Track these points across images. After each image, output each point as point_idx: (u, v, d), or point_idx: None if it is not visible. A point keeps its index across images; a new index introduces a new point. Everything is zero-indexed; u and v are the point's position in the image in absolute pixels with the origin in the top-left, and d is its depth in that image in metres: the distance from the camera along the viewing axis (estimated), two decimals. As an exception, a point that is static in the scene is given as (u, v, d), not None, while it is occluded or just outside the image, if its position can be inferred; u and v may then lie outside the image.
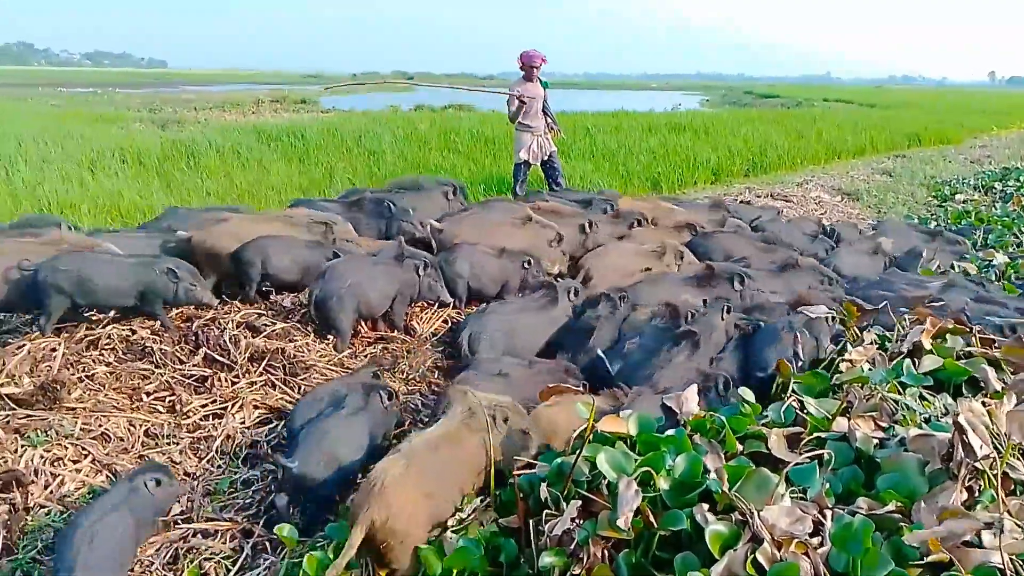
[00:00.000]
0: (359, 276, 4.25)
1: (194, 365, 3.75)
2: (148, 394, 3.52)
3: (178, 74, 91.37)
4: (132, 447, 3.21)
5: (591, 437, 2.36)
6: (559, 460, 2.41)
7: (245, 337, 3.99)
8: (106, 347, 3.81)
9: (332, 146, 13.02)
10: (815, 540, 2.00)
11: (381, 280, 4.37)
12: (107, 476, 3.02)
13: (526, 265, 4.97)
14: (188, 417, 3.41)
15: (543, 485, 2.30)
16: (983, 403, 2.56)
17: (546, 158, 8.33)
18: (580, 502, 2.21)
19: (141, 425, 3.32)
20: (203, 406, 3.50)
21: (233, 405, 3.50)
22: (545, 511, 2.23)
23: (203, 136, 13.44)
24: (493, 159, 12.21)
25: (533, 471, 2.45)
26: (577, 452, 2.33)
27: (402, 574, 2.33)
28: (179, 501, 2.87)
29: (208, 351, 3.83)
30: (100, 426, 3.25)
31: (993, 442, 2.31)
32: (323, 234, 4.89)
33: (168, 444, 3.24)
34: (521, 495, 2.38)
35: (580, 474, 2.34)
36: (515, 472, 2.39)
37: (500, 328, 4.18)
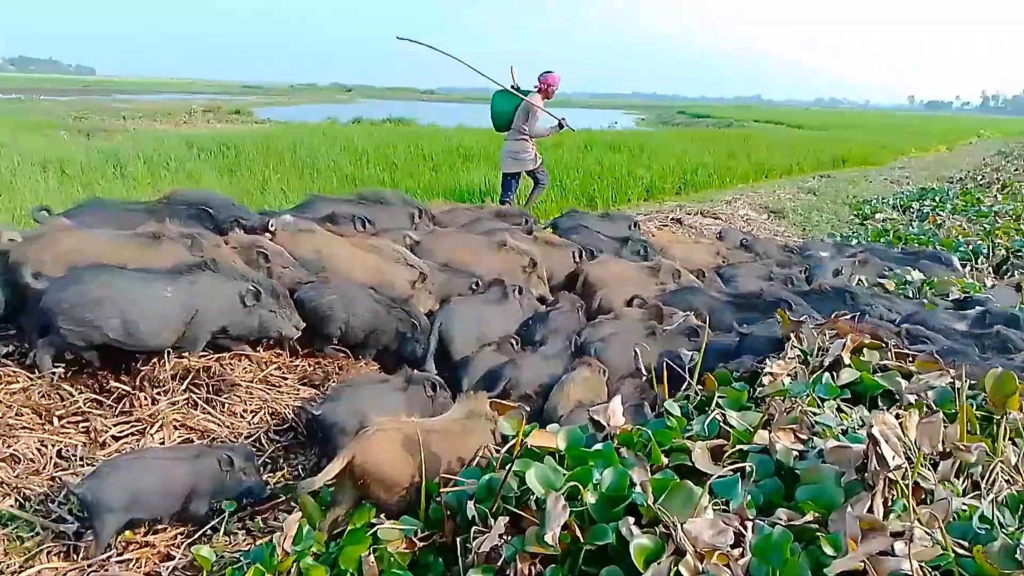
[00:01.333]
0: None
1: (113, 383, 3.60)
2: (60, 416, 3.36)
3: (108, 82, 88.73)
4: (44, 468, 3.07)
5: (520, 452, 2.37)
6: (488, 476, 2.40)
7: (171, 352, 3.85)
8: (20, 363, 3.64)
9: (265, 158, 12.81)
10: (736, 551, 2.03)
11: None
12: (16, 500, 2.88)
13: (473, 286, 4.91)
14: (104, 437, 3.27)
15: (470, 502, 2.28)
16: (896, 415, 2.67)
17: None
18: (508, 518, 2.21)
19: (53, 446, 3.17)
20: (120, 426, 3.36)
21: (152, 426, 3.37)
22: (473, 528, 2.21)
23: (131, 146, 13.07)
24: (433, 174, 12.20)
25: (461, 488, 2.44)
26: (507, 468, 2.33)
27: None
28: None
29: (128, 368, 3.68)
30: (9, 447, 3.09)
31: (905, 453, 2.41)
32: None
33: (83, 465, 3.11)
34: (448, 512, 2.37)
35: (509, 490, 2.34)
36: (442, 489, 2.37)
37: (471, 318, 4.45)
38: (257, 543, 2.58)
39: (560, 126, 8.54)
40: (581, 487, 2.23)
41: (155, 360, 3.71)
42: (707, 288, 5.18)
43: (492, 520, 2.22)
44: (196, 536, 2.78)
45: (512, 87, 8.43)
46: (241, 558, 2.50)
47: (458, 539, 2.27)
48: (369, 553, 2.18)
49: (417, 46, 8.85)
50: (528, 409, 3.49)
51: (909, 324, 4.26)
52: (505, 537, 2.17)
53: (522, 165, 8.57)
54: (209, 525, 2.83)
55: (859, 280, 6.04)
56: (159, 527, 2.84)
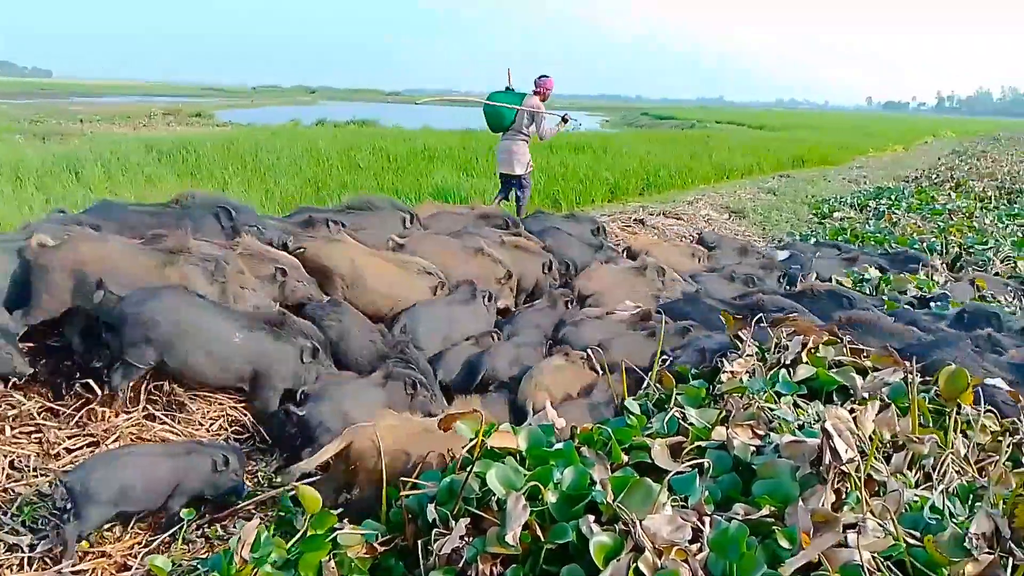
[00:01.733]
0: None
1: (69, 395, 3.51)
2: (12, 425, 3.28)
3: (65, 84, 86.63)
4: (-6, 480, 2.99)
5: (480, 454, 2.37)
6: (449, 479, 2.40)
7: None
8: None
9: (226, 161, 12.65)
10: (695, 546, 2.06)
11: None
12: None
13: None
14: (57, 449, 3.20)
15: (431, 505, 2.28)
16: (851, 409, 2.72)
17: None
18: (469, 520, 2.21)
19: (6, 456, 3.09)
20: (74, 438, 3.28)
21: (108, 438, 3.30)
22: (434, 530, 2.21)
23: (88, 150, 12.81)
24: (396, 175, 12.15)
25: (423, 491, 2.43)
26: (468, 470, 2.33)
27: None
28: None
29: (85, 380, 3.58)
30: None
31: (859, 446, 2.46)
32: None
33: (36, 476, 3.04)
34: (410, 516, 2.36)
35: (470, 491, 2.34)
36: (402, 493, 2.36)
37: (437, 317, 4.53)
38: (216, 551, 2.54)
39: (564, 120, 8.75)
40: (542, 487, 2.24)
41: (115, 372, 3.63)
42: (703, 297, 5.22)
43: (453, 522, 2.22)
44: (155, 545, 2.74)
45: (507, 88, 8.55)
46: (199, 566, 2.47)
47: (419, 542, 2.26)
48: (329, 559, 2.16)
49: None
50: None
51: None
52: (466, 539, 2.17)
53: (518, 167, 8.55)
54: (168, 533, 2.79)
55: (816, 278, 6.16)
56: (118, 534, 2.79)
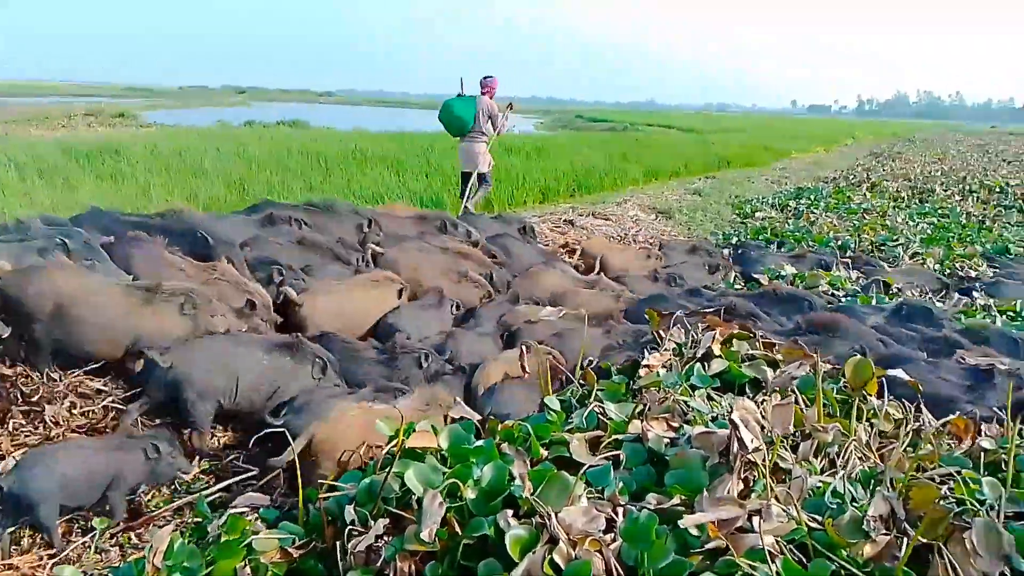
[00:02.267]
0: None
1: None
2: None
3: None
4: None
5: (400, 453, 2.38)
6: (369, 479, 2.41)
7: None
8: None
9: (150, 163, 12.27)
10: (608, 536, 2.12)
11: None
12: None
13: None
14: None
15: (350, 506, 2.28)
16: (761, 401, 2.83)
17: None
18: (387, 519, 2.22)
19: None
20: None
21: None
22: (348, 529, 2.21)
23: (1, 152, 12.25)
24: (326, 176, 11.99)
25: (342, 492, 2.43)
26: (387, 470, 2.34)
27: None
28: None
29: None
30: None
31: (767, 436, 2.57)
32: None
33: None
34: (329, 518, 2.36)
35: (390, 491, 2.35)
36: (320, 495, 2.36)
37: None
38: (129, 559, 2.48)
39: (511, 107, 9.59)
40: (461, 484, 2.27)
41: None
42: (673, 296, 5.32)
43: (372, 522, 2.22)
44: (64, 554, 2.66)
45: (459, 95, 9.16)
46: (110, 575, 2.41)
47: (338, 543, 2.26)
48: (244, 565, 2.14)
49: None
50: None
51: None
52: (384, 538, 2.18)
53: (480, 165, 9.24)
54: (80, 542, 2.71)
55: (735, 275, 6.39)
56: (26, 545, 2.70)
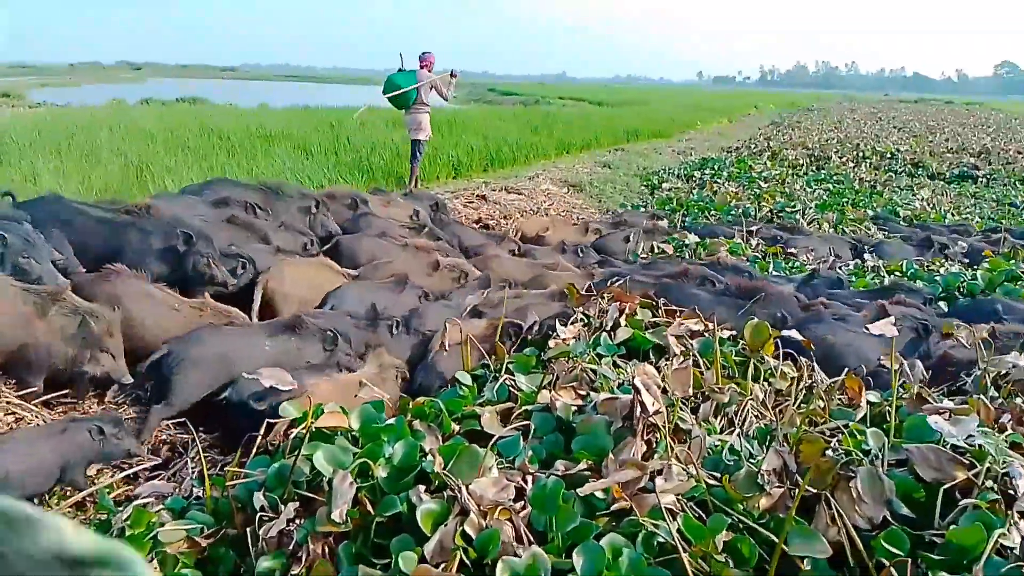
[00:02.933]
0: None
1: None
2: None
3: None
4: None
5: (308, 435, 2.37)
6: (278, 464, 2.39)
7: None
8: None
9: (37, 145, 11.54)
10: (518, 505, 2.17)
11: None
12: None
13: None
14: None
15: (259, 492, 2.26)
16: (659, 367, 2.94)
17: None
18: (298, 503, 2.21)
19: None
20: None
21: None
22: (261, 515, 2.20)
23: None
24: (227, 155, 11.57)
25: (251, 479, 2.40)
26: (295, 453, 2.33)
27: None
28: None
29: None
30: None
31: (668, 399, 2.68)
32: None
33: None
34: (239, 504, 2.33)
35: (300, 474, 2.34)
36: (228, 483, 2.33)
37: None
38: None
39: (452, 75, 10.24)
40: (372, 463, 2.28)
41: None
42: (635, 271, 5.33)
43: (283, 506, 2.21)
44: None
45: (400, 70, 9.79)
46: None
47: (248, 529, 2.24)
48: (151, 558, 2.10)
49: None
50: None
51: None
52: (296, 521, 2.18)
53: (422, 134, 10.13)
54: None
55: (653, 247, 6.57)
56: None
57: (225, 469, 2.37)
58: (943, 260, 6.48)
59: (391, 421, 2.54)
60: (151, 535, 2.11)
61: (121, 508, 2.38)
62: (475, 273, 5.44)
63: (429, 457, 2.34)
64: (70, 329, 3.55)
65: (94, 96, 28.79)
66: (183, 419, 3.43)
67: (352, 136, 14.71)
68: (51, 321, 3.53)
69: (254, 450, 2.59)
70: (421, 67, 9.84)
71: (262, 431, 2.56)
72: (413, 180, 10.38)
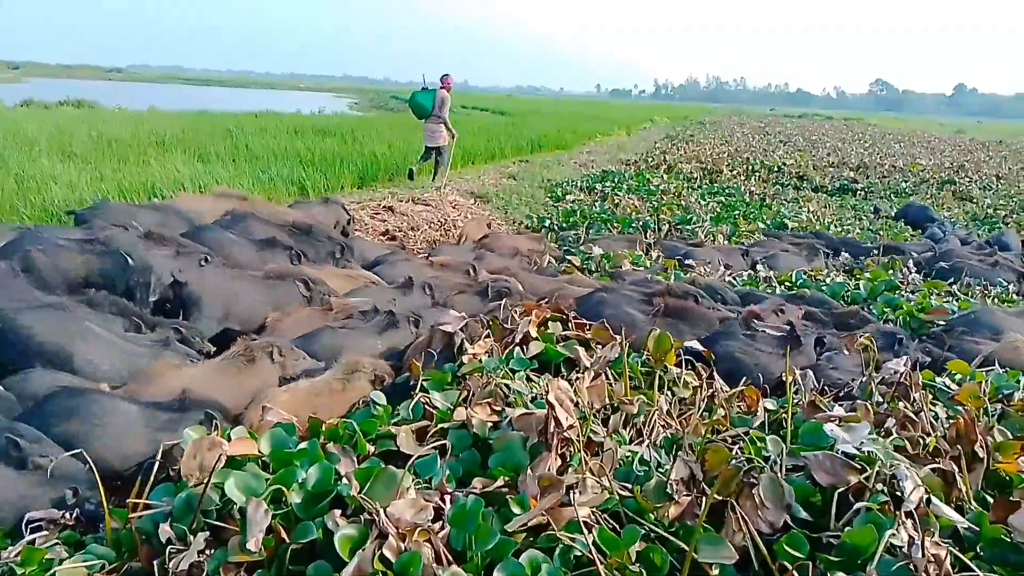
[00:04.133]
0: None
1: None
2: None
3: None
4: None
5: (220, 464, 2.29)
6: (186, 493, 2.30)
7: None
8: None
9: (-102, 152, 10.64)
10: (437, 525, 2.17)
11: None
12: None
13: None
14: None
15: (164, 524, 2.17)
16: (573, 379, 3.01)
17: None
18: (208, 533, 2.14)
19: None
20: None
21: None
22: (169, 548, 2.11)
23: None
24: (119, 163, 10.99)
25: (157, 509, 2.30)
26: (204, 482, 2.24)
27: None
28: None
29: None
30: None
31: (580, 412, 2.74)
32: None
33: None
34: (144, 536, 2.23)
35: (210, 503, 2.26)
36: (131, 515, 2.22)
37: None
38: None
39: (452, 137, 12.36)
40: (285, 489, 2.23)
41: None
42: (620, 287, 5.24)
43: (191, 537, 2.13)
44: None
45: (423, 88, 11.93)
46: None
47: (155, 563, 2.15)
48: (47, 598, 1.99)
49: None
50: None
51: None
52: (207, 552, 2.10)
53: (438, 141, 11.96)
54: None
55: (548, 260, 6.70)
56: None
57: (128, 500, 2.26)
58: (829, 270, 6.91)
59: (303, 445, 2.49)
60: (50, 573, 1.99)
61: (9, 541, 2.24)
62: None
63: (344, 480, 2.31)
64: None
65: (-31, 99, 26.79)
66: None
67: (251, 143, 14.29)
68: None
69: (151, 478, 2.47)
70: (442, 87, 11.91)
71: (159, 456, 2.45)
72: (440, 176, 12.20)
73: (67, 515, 2.40)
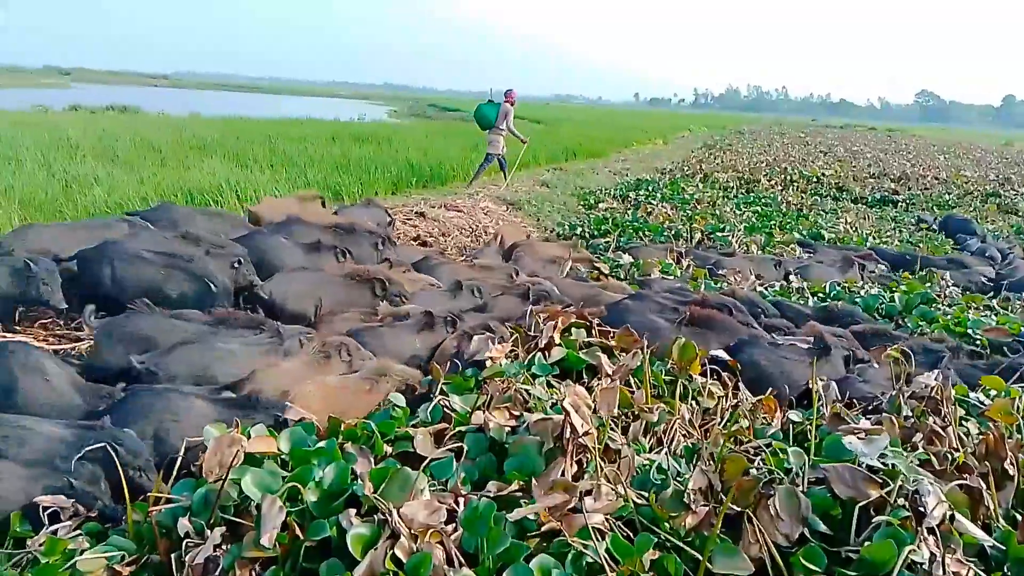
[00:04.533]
0: None
1: None
2: None
3: None
4: None
5: (237, 461, 2.33)
6: (204, 488, 2.33)
7: None
8: None
9: (-51, 153, 11.01)
10: (450, 527, 2.18)
11: None
12: None
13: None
14: None
15: (183, 518, 2.21)
16: (591, 387, 3.00)
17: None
18: (224, 528, 2.17)
19: None
20: None
21: None
22: (186, 541, 2.14)
23: None
24: (160, 166, 11.26)
25: (177, 504, 2.34)
26: (223, 477, 2.28)
27: None
28: None
29: None
30: None
31: (598, 419, 2.72)
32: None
33: None
34: (164, 531, 2.27)
35: (228, 500, 2.29)
36: (151, 509, 2.27)
37: None
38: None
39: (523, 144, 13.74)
40: (301, 487, 2.26)
41: None
42: (653, 295, 5.18)
43: (209, 532, 2.17)
44: None
45: (489, 100, 13.03)
46: None
47: (173, 556, 2.19)
48: (68, 588, 2.03)
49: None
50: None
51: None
52: (223, 547, 2.14)
53: (499, 149, 13.03)
54: None
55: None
56: None
57: (149, 494, 2.30)
58: (865, 281, 6.78)
59: (321, 444, 2.51)
60: (70, 563, 2.04)
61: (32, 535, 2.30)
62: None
63: (360, 480, 2.32)
64: None
65: (16, 101, 27.58)
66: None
67: (289, 149, 14.52)
68: None
69: (174, 472, 2.52)
70: (506, 100, 12.96)
71: (181, 452, 2.50)
72: (476, 177, 13.49)
73: (78, 505, 2.44)
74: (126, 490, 2.35)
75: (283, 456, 2.50)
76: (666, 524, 2.31)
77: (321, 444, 2.52)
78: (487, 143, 13.25)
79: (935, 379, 3.28)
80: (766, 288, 6.40)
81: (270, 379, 3.37)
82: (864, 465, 2.40)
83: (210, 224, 6.00)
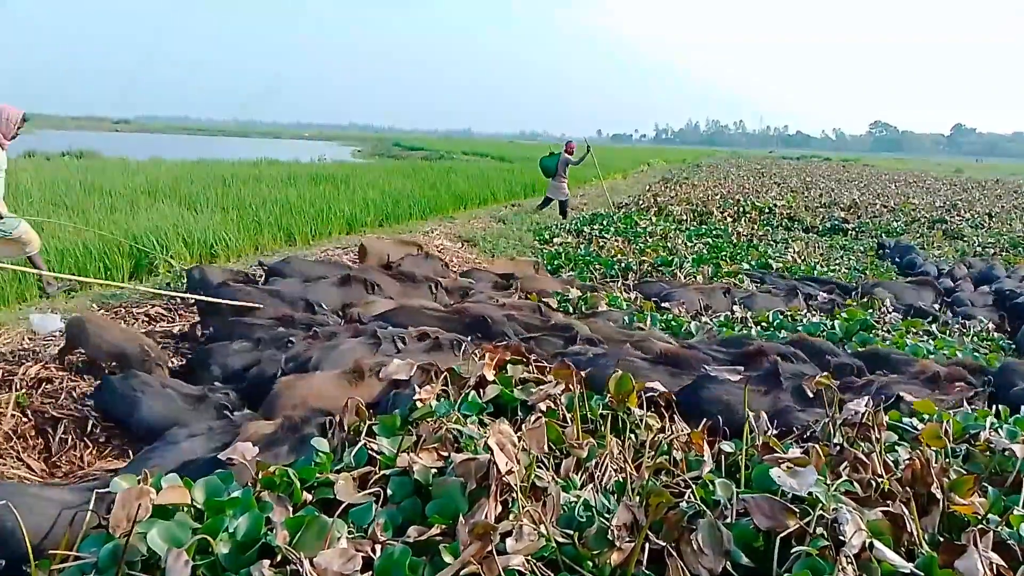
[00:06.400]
0: None
1: None
2: None
3: None
4: None
5: (145, 515, 2.25)
6: (112, 543, 2.25)
7: None
8: None
9: None
10: (367, 575, 2.13)
11: None
12: None
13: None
14: None
15: (90, 575, 2.12)
16: (524, 424, 2.97)
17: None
18: (130, 584, 2.09)
19: None
20: None
21: None
22: (86, 601, 2.06)
23: None
24: (107, 212, 11.07)
25: (83, 560, 2.25)
26: (128, 531, 2.20)
27: None
28: None
29: None
30: None
31: (529, 458, 2.69)
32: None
33: None
34: (67, 590, 2.18)
35: (135, 554, 2.21)
36: (53, 567, 2.18)
37: None
38: None
39: (587, 149, 16.02)
40: (211, 539, 2.19)
41: None
42: (706, 347, 4.99)
43: (114, 589, 2.09)
44: None
45: (551, 153, 15.26)
46: None
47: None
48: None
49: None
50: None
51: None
52: (127, 605, 2.06)
53: (560, 195, 15.15)
54: None
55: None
56: None
57: (50, 552, 2.21)
58: (806, 309, 6.88)
59: (236, 494, 2.44)
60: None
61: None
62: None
63: (275, 530, 2.26)
64: None
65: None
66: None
67: (243, 191, 14.43)
68: None
69: (83, 528, 2.43)
70: (565, 151, 15.09)
71: (91, 504, 2.41)
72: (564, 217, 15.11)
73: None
74: (30, 549, 2.25)
75: (197, 506, 2.42)
76: (589, 563, 2.28)
77: (236, 493, 2.45)
78: (549, 189, 15.40)
79: (864, 405, 3.31)
80: (711, 318, 6.46)
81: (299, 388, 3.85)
82: (790, 496, 2.40)
83: (319, 269, 7.08)
